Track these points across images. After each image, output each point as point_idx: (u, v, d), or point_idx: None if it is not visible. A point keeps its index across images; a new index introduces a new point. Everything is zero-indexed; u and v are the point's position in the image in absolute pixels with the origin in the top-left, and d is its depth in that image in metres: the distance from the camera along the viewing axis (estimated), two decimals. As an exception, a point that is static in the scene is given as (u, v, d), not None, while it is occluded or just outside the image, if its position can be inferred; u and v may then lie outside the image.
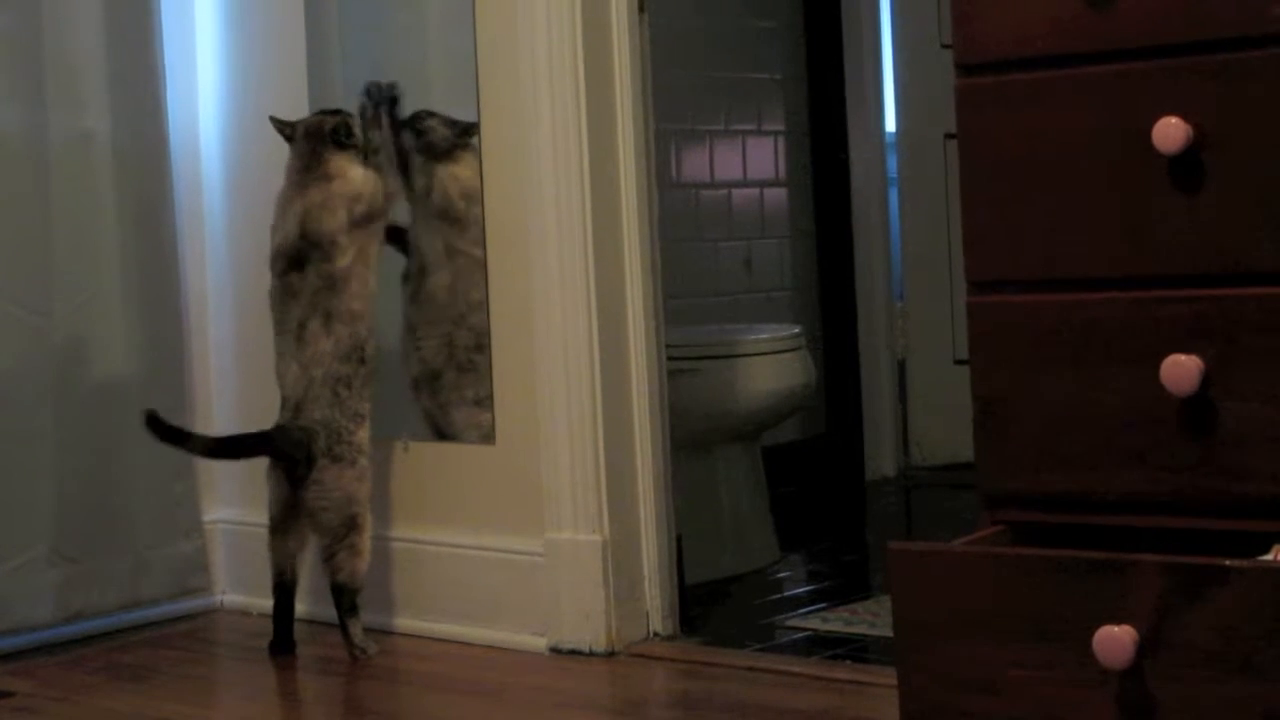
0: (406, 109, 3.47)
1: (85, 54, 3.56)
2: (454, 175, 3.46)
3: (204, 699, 3.25)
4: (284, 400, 3.31)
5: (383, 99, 3.45)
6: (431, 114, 3.47)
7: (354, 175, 3.34)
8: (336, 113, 3.40)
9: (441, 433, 3.50)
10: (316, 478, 3.26)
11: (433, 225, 3.48)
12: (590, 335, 3.23)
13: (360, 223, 3.31)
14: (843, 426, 5.14)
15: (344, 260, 3.28)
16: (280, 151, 3.41)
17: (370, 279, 3.33)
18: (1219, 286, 1.83)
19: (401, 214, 3.49)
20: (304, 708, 3.24)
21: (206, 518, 3.78)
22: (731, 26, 4.97)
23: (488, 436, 3.40)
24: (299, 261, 3.30)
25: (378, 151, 3.40)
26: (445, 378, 3.49)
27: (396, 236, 3.49)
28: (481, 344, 3.41)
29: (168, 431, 3.35)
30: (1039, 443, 1.94)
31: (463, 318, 3.44)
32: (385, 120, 3.44)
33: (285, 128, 3.39)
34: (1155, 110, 1.83)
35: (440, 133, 3.46)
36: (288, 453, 3.28)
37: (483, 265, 3.40)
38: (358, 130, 3.38)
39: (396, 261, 3.51)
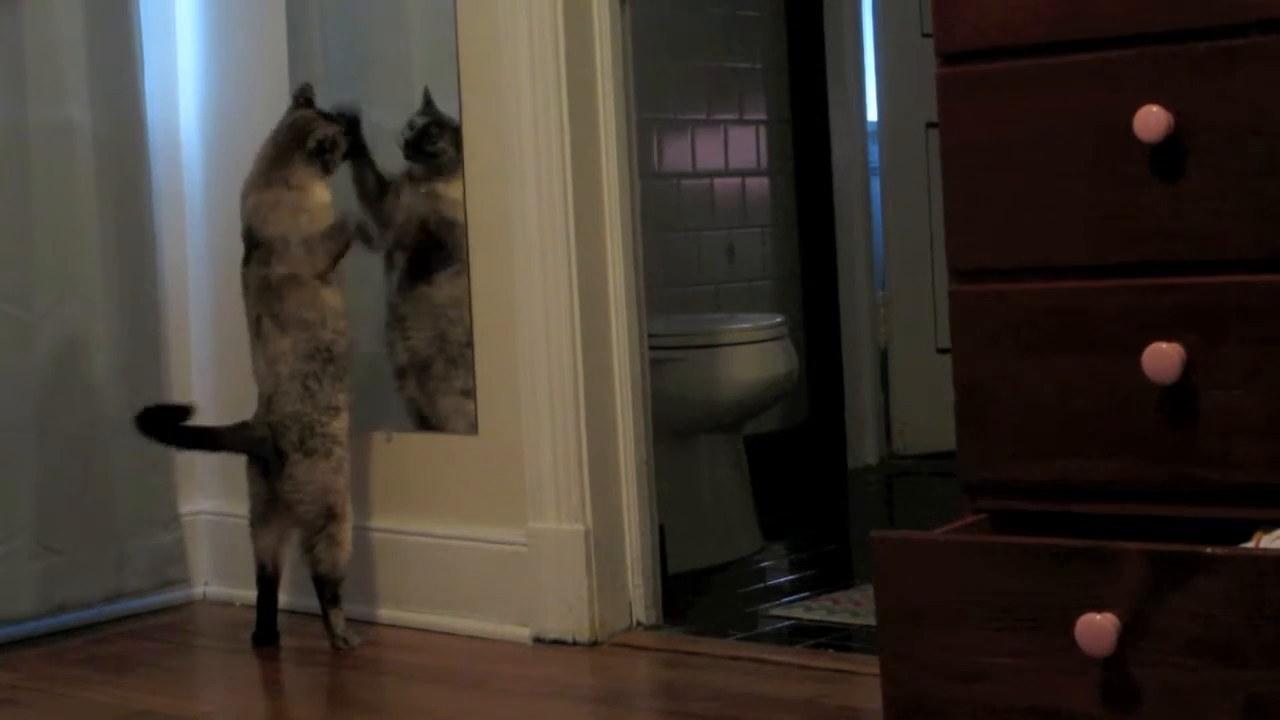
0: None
1: (65, 43, 3.55)
2: (448, 194, 3.44)
3: (187, 690, 3.25)
4: (259, 394, 3.31)
5: (348, 126, 3.40)
6: (440, 128, 3.43)
7: (314, 192, 3.31)
8: (336, 119, 3.37)
9: (426, 421, 3.50)
10: (289, 472, 3.26)
11: (427, 240, 3.46)
12: (572, 325, 3.23)
13: (307, 241, 3.27)
14: (825, 415, 5.14)
15: (282, 269, 3.25)
16: (261, 141, 3.40)
17: (323, 292, 3.27)
18: (1201, 274, 1.83)
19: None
20: (287, 699, 3.24)
21: (189, 509, 3.78)
22: (713, 16, 4.97)
23: (473, 426, 3.40)
24: (247, 257, 3.30)
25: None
26: (434, 368, 3.49)
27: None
28: (472, 340, 3.41)
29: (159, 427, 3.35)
30: (1021, 431, 1.94)
31: (461, 317, 3.43)
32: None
33: (297, 98, 3.36)
34: (1137, 99, 1.84)
35: (450, 155, 3.42)
36: (248, 451, 3.28)
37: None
38: (338, 154, 3.34)
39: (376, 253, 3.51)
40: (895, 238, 5.24)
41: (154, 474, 3.68)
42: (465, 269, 3.40)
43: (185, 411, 3.35)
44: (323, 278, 3.28)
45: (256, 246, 3.28)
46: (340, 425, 3.29)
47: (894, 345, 5.26)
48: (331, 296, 3.29)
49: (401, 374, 3.52)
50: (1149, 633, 1.72)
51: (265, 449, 3.26)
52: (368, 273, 3.45)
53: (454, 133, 3.41)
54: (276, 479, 3.27)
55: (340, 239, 3.31)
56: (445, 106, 3.42)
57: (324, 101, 3.43)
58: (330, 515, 3.27)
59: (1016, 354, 1.94)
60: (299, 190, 3.30)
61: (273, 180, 3.31)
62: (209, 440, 3.39)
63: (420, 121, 3.45)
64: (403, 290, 3.51)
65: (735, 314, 4.64)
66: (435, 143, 3.45)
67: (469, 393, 3.41)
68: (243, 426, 3.30)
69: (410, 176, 3.47)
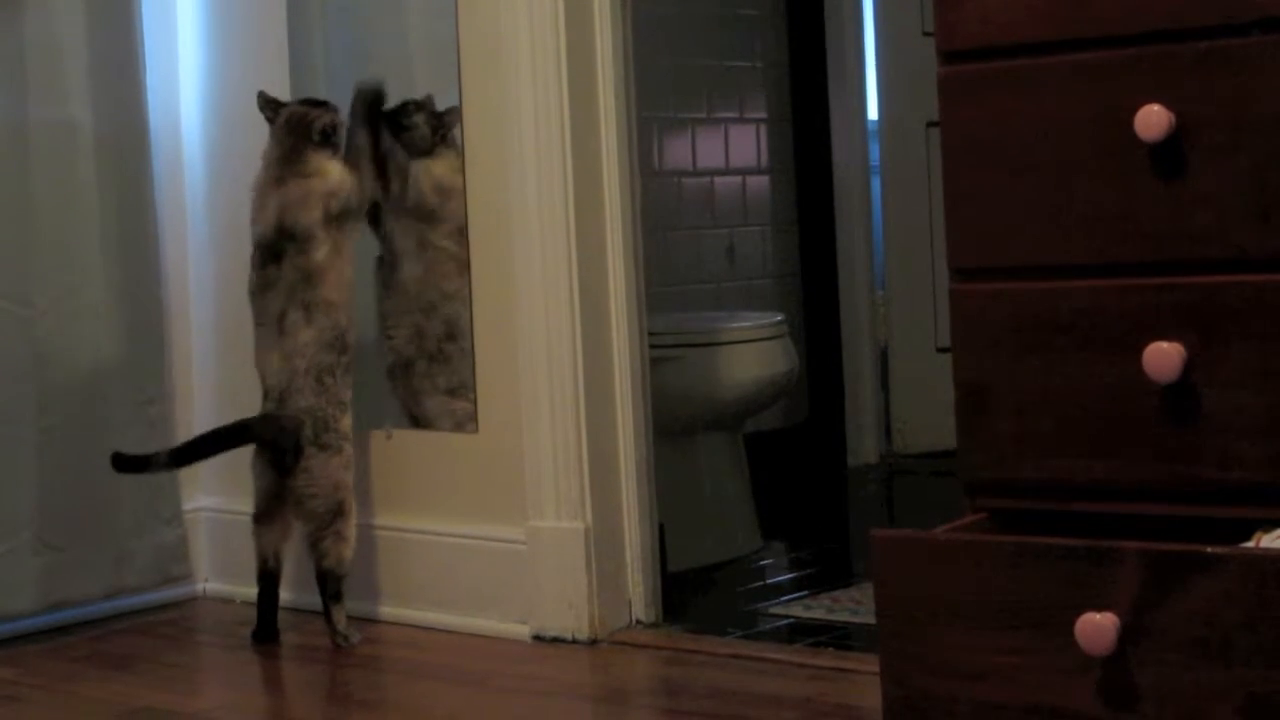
0: (392, 97, 3.46)
1: (66, 43, 3.55)
2: (429, 171, 3.44)
3: (187, 687, 3.25)
4: (267, 391, 3.31)
5: (370, 101, 3.43)
6: (419, 107, 3.45)
7: (332, 172, 3.34)
8: (323, 105, 3.38)
9: (416, 421, 3.50)
10: (305, 466, 3.27)
11: (406, 220, 3.47)
12: (572, 323, 3.23)
13: (337, 219, 3.31)
14: (825, 414, 5.15)
15: (320, 254, 3.28)
16: (262, 140, 3.40)
17: (346, 270, 3.32)
18: (1201, 274, 1.83)
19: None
20: (288, 696, 3.24)
21: (190, 506, 3.78)
22: (714, 14, 4.97)
23: (462, 424, 3.40)
24: (276, 255, 3.31)
25: (359, 153, 3.38)
26: (417, 366, 3.49)
27: (374, 217, 3.50)
28: (452, 334, 3.41)
29: (128, 463, 3.36)
30: (1021, 430, 1.94)
31: (434, 308, 3.44)
32: (366, 127, 3.41)
33: (269, 109, 3.38)
34: (1137, 97, 1.84)
35: (422, 131, 3.44)
36: (275, 441, 3.29)
37: (455, 258, 3.40)
38: (342, 132, 3.36)
39: (372, 249, 3.50)
40: (895, 237, 5.23)
41: (154, 471, 3.68)
42: (440, 263, 3.40)
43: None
44: (343, 251, 3.31)
45: (291, 240, 3.29)
46: (348, 422, 3.31)
47: (894, 344, 5.26)
48: (350, 275, 3.33)
49: (391, 375, 3.53)
50: (1149, 633, 1.72)
51: (289, 440, 3.27)
52: (360, 269, 3.45)
53: (433, 115, 3.41)
54: (289, 474, 3.28)
55: (357, 198, 3.35)
56: (446, 104, 3.42)
57: (322, 92, 3.45)
58: (339, 511, 3.28)
59: (1016, 354, 1.94)
60: (318, 176, 3.32)
61: (287, 176, 3.32)
62: (239, 436, 3.35)
63: (403, 101, 3.46)
64: (385, 286, 3.51)
65: (735, 312, 4.64)
66: (410, 116, 3.45)
67: (454, 391, 3.42)
68: (268, 418, 3.30)
69: (398, 162, 3.48)
